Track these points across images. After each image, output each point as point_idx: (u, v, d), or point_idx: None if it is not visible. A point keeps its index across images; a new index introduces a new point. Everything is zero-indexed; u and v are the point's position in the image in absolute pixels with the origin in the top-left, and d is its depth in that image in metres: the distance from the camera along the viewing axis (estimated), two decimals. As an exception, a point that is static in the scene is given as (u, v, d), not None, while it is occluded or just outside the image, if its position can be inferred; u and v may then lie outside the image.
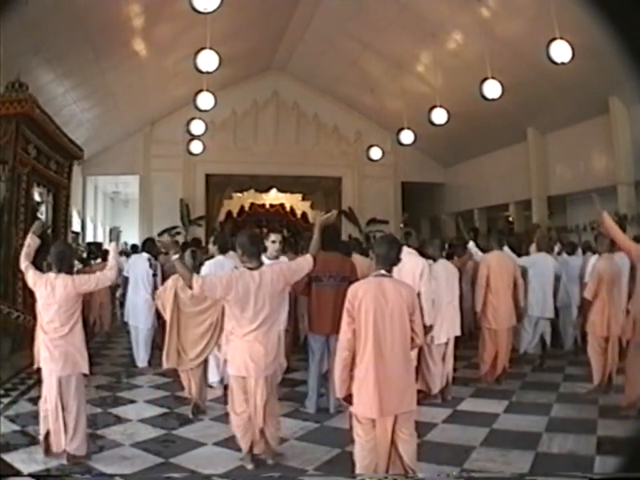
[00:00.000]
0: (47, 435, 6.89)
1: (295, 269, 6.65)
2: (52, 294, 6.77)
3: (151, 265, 10.77)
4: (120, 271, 13.14)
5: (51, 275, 6.89)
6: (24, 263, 7.10)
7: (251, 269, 6.47)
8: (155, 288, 8.86)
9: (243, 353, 6.41)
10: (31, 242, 7.25)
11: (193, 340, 8.62)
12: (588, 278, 9.96)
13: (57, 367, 6.75)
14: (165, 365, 8.71)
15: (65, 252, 7.15)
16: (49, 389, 6.79)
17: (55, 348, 6.75)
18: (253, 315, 6.35)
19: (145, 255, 12.03)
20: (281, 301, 6.72)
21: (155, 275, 8.90)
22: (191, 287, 6.41)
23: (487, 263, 10.27)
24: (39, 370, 7.05)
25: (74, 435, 6.77)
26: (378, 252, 5.64)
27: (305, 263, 6.65)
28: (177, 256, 6.70)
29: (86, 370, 6.99)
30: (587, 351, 9.54)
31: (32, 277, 6.98)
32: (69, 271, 7.11)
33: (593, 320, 9.16)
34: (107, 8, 13.98)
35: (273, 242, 9.11)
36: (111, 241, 7.51)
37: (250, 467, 6.61)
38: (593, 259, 10.55)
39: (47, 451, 6.88)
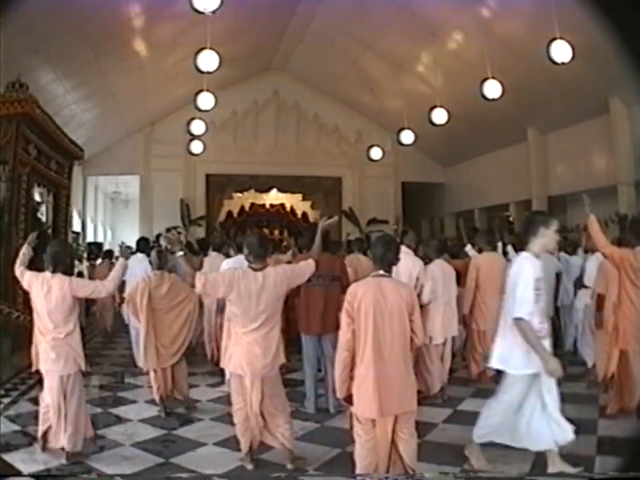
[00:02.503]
0: (45, 432, 6.93)
1: (298, 272, 6.68)
2: (48, 294, 6.80)
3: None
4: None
5: (47, 274, 6.91)
6: (19, 269, 7.14)
7: (255, 269, 6.47)
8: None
9: (241, 352, 6.45)
10: (25, 251, 7.29)
11: (172, 334, 8.71)
12: (587, 279, 9.97)
13: (58, 366, 6.78)
14: (144, 368, 8.74)
15: (61, 252, 7.17)
16: (50, 388, 6.82)
17: (55, 348, 6.78)
18: (253, 316, 6.37)
19: (141, 255, 12.06)
20: (281, 304, 6.69)
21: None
22: (193, 285, 6.48)
23: (476, 265, 10.30)
24: (38, 371, 7.08)
25: (74, 431, 6.81)
26: (375, 252, 5.67)
27: (307, 267, 6.68)
28: (181, 253, 6.77)
29: (84, 367, 7.04)
30: None
31: (28, 279, 7.01)
32: (66, 272, 7.12)
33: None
34: (107, 8, 13.95)
35: None
36: (120, 256, 7.51)
37: (249, 466, 6.64)
38: (593, 258, 10.52)
39: (44, 447, 6.94)
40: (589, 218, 8.04)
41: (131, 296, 8.78)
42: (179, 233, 22.21)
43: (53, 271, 6.93)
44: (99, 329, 15.79)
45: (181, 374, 8.89)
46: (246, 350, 6.41)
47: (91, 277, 15.87)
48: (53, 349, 6.78)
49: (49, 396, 6.87)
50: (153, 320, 8.63)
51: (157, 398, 8.84)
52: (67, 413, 6.81)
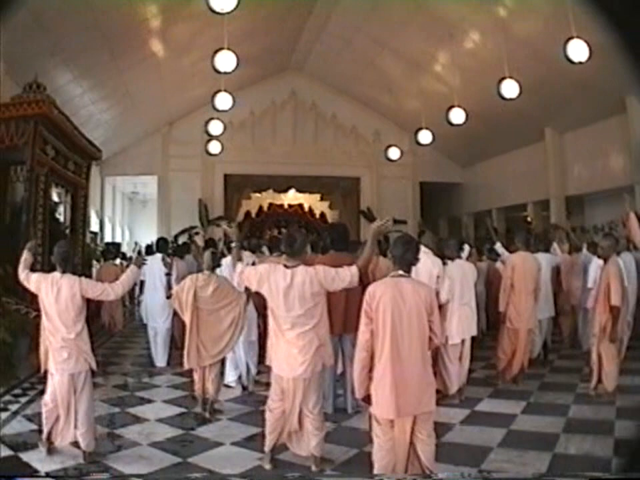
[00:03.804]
0: (49, 433, 6.97)
1: (334, 277, 6.40)
2: (58, 295, 6.82)
3: (165, 264, 10.74)
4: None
5: (56, 274, 6.95)
6: (23, 273, 7.15)
7: (286, 267, 6.48)
8: (169, 287, 8.85)
9: (280, 352, 6.50)
10: (27, 257, 7.29)
11: (215, 336, 8.69)
12: (591, 282, 9.91)
13: (68, 365, 6.82)
14: (186, 365, 8.73)
15: (69, 252, 7.22)
16: (60, 385, 6.83)
17: (65, 348, 6.80)
18: (285, 314, 6.39)
19: (159, 256, 12.06)
20: (319, 305, 6.55)
21: (168, 274, 8.88)
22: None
23: (512, 264, 10.26)
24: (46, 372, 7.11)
25: (86, 430, 6.84)
26: (394, 253, 5.62)
27: (347, 275, 6.38)
28: (235, 244, 6.93)
29: (94, 366, 7.09)
30: None
31: (35, 281, 7.03)
32: (74, 271, 7.16)
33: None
34: (123, 9, 14.01)
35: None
36: (133, 264, 7.50)
37: (268, 466, 6.64)
38: (595, 261, 10.44)
39: (50, 449, 6.99)
40: (630, 216, 7.99)
41: (177, 293, 8.83)
42: (197, 233, 22.34)
43: (63, 271, 6.97)
44: (112, 330, 15.79)
45: (214, 375, 8.88)
46: (284, 350, 6.45)
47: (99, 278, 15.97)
48: (63, 349, 6.82)
49: (56, 396, 6.89)
50: (197, 319, 8.66)
51: (196, 395, 8.93)
52: (77, 411, 6.85)
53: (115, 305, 15.56)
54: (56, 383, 6.89)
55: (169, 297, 8.78)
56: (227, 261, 10.17)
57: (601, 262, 9.48)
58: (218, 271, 9.22)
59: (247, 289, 8.16)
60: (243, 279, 6.61)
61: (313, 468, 6.54)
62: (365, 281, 8.03)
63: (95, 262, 17.42)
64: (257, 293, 7.06)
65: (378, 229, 6.44)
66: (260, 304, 10.95)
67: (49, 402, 6.96)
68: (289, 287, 6.33)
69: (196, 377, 8.86)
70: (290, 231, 7.26)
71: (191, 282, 8.75)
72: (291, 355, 6.38)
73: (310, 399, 6.50)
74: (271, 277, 6.40)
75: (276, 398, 6.63)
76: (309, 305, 6.40)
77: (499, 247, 11.24)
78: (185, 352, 8.67)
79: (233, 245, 7.04)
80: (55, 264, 7.04)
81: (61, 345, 6.82)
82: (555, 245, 12.73)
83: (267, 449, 6.72)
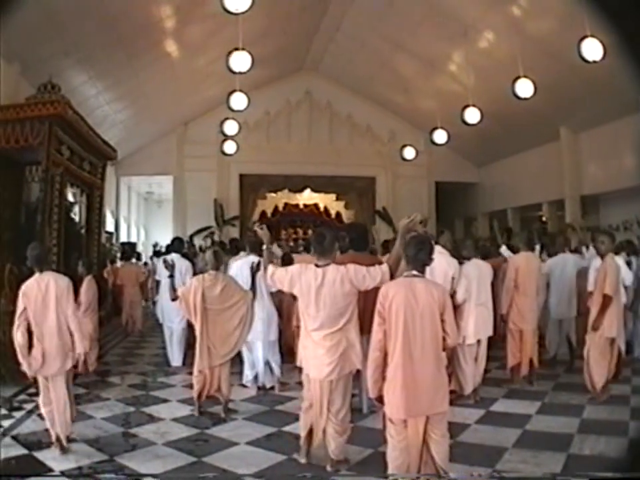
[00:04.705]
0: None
1: (365, 275, 6.39)
2: (46, 293, 6.96)
3: (167, 267, 10.66)
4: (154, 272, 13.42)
5: (43, 276, 7.06)
6: None
7: (317, 266, 6.49)
8: (173, 289, 8.80)
9: (309, 352, 6.52)
10: None
11: (224, 336, 8.68)
12: (591, 285, 9.79)
13: (60, 363, 6.96)
14: (198, 367, 8.71)
15: (42, 252, 7.35)
16: (57, 388, 6.97)
17: (54, 347, 6.95)
18: (315, 313, 6.39)
19: (176, 255, 12.04)
20: (350, 305, 6.51)
21: (171, 277, 8.83)
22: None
23: (515, 265, 10.21)
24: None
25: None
26: (408, 252, 5.59)
27: (379, 273, 6.38)
28: (265, 246, 7.01)
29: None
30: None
31: (22, 291, 7.11)
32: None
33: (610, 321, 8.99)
34: (137, 9, 14.08)
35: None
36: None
37: (303, 460, 6.73)
38: (594, 264, 10.31)
39: (62, 448, 7.05)
40: None
41: (184, 295, 8.73)
42: (212, 233, 22.36)
43: (41, 270, 7.10)
44: (132, 330, 15.85)
45: (226, 375, 8.88)
46: (312, 350, 6.47)
47: (115, 276, 16.03)
48: (53, 347, 6.99)
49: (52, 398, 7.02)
50: (206, 320, 8.64)
51: (195, 396, 8.83)
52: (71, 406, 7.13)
53: (135, 305, 15.68)
54: (51, 387, 7.10)
55: (174, 299, 8.75)
56: (238, 264, 10.19)
57: (599, 262, 9.38)
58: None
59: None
60: (275, 280, 6.61)
61: (328, 468, 6.54)
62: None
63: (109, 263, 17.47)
64: (280, 292, 7.10)
65: (407, 225, 6.43)
66: (280, 304, 11.00)
67: (47, 406, 7.10)
68: (320, 286, 6.34)
69: (196, 377, 8.80)
70: (319, 229, 7.21)
71: (197, 282, 8.71)
72: (317, 355, 6.40)
73: (335, 402, 6.49)
74: (302, 277, 6.42)
75: (308, 395, 6.66)
76: (339, 305, 6.38)
77: (504, 250, 11.24)
78: (197, 353, 8.66)
79: (264, 247, 7.02)
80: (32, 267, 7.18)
81: (50, 344, 7.03)
82: (591, 247, 12.46)
83: (302, 443, 6.78)
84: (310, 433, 6.70)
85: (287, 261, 10.73)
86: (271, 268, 6.67)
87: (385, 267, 6.42)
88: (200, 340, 8.61)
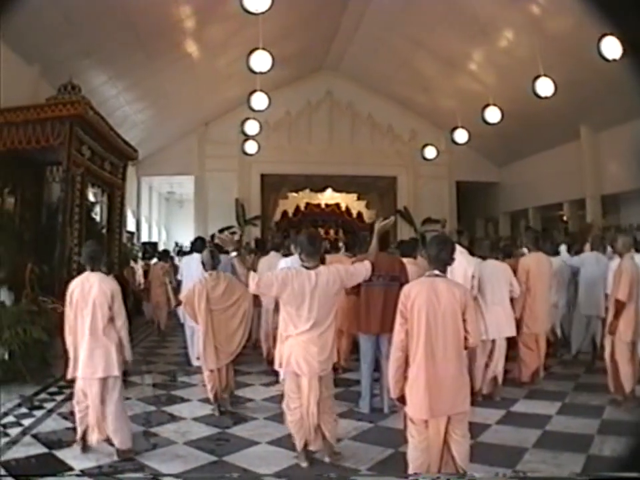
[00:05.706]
0: (84, 434, 7.01)
1: (353, 272, 6.75)
2: (89, 293, 6.89)
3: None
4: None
5: (91, 276, 7.02)
6: None
7: (308, 268, 6.51)
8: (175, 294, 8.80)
9: (298, 352, 6.48)
10: None
11: (230, 333, 8.75)
12: (609, 286, 9.66)
13: (99, 367, 6.85)
14: (206, 368, 8.72)
15: (97, 251, 7.25)
16: (89, 388, 6.90)
17: (95, 349, 6.86)
18: (307, 315, 6.41)
19: (197, 255, 12.04)
20: (335, 303, 6.71)
21: (179, 281, 8.81)
22: (247, 285, 6.60)
23: (525, 267, 10.13)
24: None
25: (118, 429, 6.89)
26: (429, 252, 5.59)
27: (363, 269, 6.78)
28: (235, 254, 6.82)
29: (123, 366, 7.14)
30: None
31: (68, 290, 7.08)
32: (104, 271, 7.20)
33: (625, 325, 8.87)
34: (157, 10, 14.11)
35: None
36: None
37: (304, 464, 6.65)
38: (612, 266, 10.16)
39: (84, 447, 7.02)
40: None
41: (188, 298, 8.75)
42: (233, 233, 22.36)
43: (92, 270, 7.07)
44: (152, 328, 15.91)
45: (231, 371, 8.93)
46: (303, 349, 6.45)
47: (146, 276, 16.07)
48: (94, 349, 6.89)
49: (86, 396, 6.98)
50: (211, 320, 8.65)
51: (211, 397, 8.84)
52: (105, 410, 6.92)
53: (161, 305, 15.71)
54: (86, 386, 6.99)
55: (177, 304, 8.76)
56: (286, 261, 10.15)
57: (617, 263, 9.26)
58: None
59: None
60: (261, 286, 6.52)
61: (327, 459, 6.65)
62: (404, 281, 8.06)
63: (132, 262, 17.53)
64: None
65: (382, 227, 7.26)
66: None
67: (79, 402, 7.07)
68: (315, 288, 6.40)
69: (208, 378, 8.79)
70: (309, 230, 7.26)
71: (200, 285, 8.71)
72: (311, 353, 6.42)
73: (323, 393, 6.59)
74: (295, 280, 6.41)
75: (294, 396, 6.65)
76: (329, 304, 6.55)
77: (526, 251, 11.21)
78: (204, 355, 8.67)
79: (233, 254, 6.96)
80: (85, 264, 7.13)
81: (90, 346, 6.88)
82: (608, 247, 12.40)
83: (298, 448, 6.72)
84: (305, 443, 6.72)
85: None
86: (255, 276, 6.58)
87: (367, 263, 6.84)
88: (206, 341, 8.62)
